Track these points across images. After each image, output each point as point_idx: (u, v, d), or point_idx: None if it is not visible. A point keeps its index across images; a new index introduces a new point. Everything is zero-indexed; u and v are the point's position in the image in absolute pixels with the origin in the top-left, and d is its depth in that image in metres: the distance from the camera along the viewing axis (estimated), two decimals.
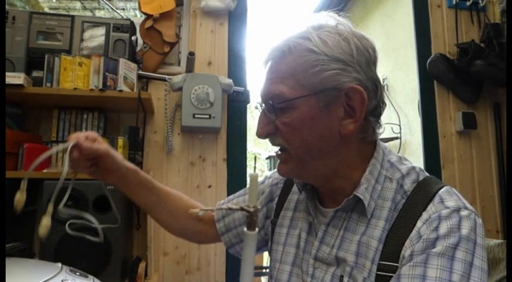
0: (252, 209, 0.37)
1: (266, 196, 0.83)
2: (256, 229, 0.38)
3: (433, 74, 1.93)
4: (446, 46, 1.97)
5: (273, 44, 0.64)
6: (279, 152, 0.66)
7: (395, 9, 2.83)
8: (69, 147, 0.71)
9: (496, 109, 1.96)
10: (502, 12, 1.95)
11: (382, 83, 2.69)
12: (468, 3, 2.00)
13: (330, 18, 0.64)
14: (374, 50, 0.63)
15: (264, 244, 0.84)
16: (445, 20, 2.00)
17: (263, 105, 0.65)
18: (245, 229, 0.38)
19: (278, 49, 0.62)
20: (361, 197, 0.61)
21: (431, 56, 1.93)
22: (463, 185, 1.87)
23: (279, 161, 0.67)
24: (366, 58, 0.61)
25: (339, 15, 0.65)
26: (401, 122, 2.69)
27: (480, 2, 2.01)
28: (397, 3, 2.79)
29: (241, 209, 0.38)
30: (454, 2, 2.00)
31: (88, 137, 0.72)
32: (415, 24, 2.00)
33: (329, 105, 0.60)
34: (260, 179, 0.88)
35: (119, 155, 0.77)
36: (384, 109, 0.65)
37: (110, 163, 0.75)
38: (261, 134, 0.64)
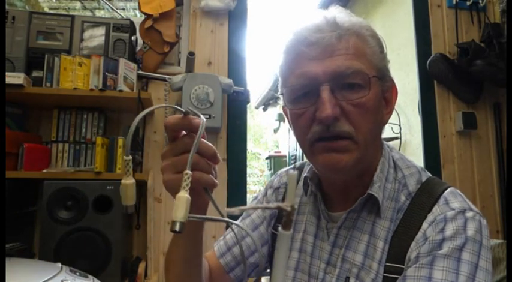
0: (289, 209, 0.36)
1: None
2: (291, 230, 0.37)
3: (433, 74, 1.92)
4: (446, 46, 1.97)
5: (326, 21, 0.58)
6: (339, 140, 0.57)
7: (396, 9, 2.83)
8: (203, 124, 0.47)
9: (496, 109, 1.96)
10: (502, 12, 1.95)
11: None
12: (468, 3, 2.00)
13: (360, 18, 0.64)
14: None
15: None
16: (445, 20, 2.00)
17: (325, 85, 0.56)
18: (280, 228, 0.37)
19: (342, 28, 0.57)
20: (376, 195, 0.59)
21: (432, 56, 1.93)
22: (463, 185, 1.87)
23: (327, 150, 0.58)
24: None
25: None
26: (401, 122, 2.69)
27: (480, 2, 2.00)
28: (397, 3, 2.79)
29: (278, 207, 0.36)
30: (454, 2, 2.00)
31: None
32: (415, 24, 2.00)
33: (383, 92, 0.62)
34: (256, 195, 0.84)
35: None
36: None
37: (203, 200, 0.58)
38: (332, 115, 0.54)
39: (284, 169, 0.85)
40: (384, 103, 0.62)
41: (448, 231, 0.54)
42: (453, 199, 0.58)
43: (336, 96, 0.56)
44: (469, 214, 0.55)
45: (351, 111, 0.56)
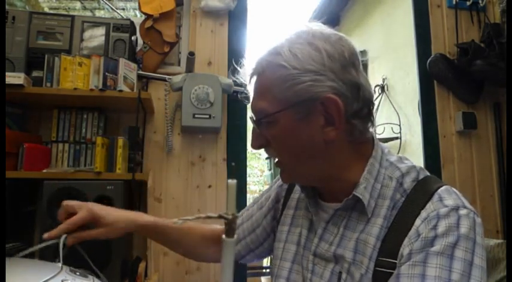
0: (230, 217, 0.38)
1: (273, 199, 0.84)
2: (235, 236, 0.39)
3: (433, 74, 1.92)
4: (446, 46, 1.97)
5: (253, 61, 0.67)
6: (276, 161, 0.69)
7: (396, 8, 2.83)
8: (61, 242, 0.74)
9: (496, 109, 1.96)
10: (502, 12, 1.95)
11: (383, 82, 2.66)
12: (468, 3, 2.00)
13: (303, 28, 0.64)
14: (352, 53, 0.62)
15: None
16: (445, 20, 2.00)
17: (253, 121, 0.68)
18: (223, 236, 0.38)
19: (255, 67, 0.66)
20: (360, 197, 0.61)
21: (432, 56, 1.93)
22: (463, 185, 1.87)
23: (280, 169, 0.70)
24: (341, 63, 0.60)
25: (314, 23, 0.66)
26: (401, 122, 2.70)
27: (480, 2, 2.00)
28: (397, 2, 2.79)
29: (220, 216, 0.39)
30: (454, 2, 2.00)
31: (67, 209, 0.77)
32: (415, 24, 2.00)
33: (307, 116, 0.61)
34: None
35: (107, 208, 0.79)
36: (373, 108, 0.65)
37: (103, 221, 0.77)
38: (254, 146, 0.67)
39: None
40: (322, 123, 0.61)
41: (441, 228, 0.54)
42: (447, 196, 0.58)
43: (258, 130, 0.66)
44: (463, 211, 0.56)
45: (271, 142, 0.65)
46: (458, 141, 1.92)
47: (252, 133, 0.68)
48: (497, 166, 1.92)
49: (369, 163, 0.64)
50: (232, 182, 0.38)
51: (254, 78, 0.67)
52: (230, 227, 0.38)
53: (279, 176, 0.86)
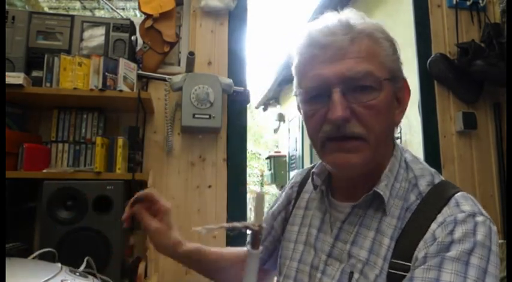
0: (257, 228, 0.37)
1: (283, 201, 0.84)
2: (260, 248, 0.38)
3: (433, 73, 1.92)
4: (446, 46, 1.97)
5: (339, 23, 0.59)
6: (350, 140, 0.58)
7: (396, 8, 2.83)
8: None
9: (496, 109, 1.96)
10: (502, 12, 1.95)
11: None
12: (468, 3, 2.00)
13: (366, 18, 0.65)
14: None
15: None
16: (445, 20, 2.00)
17: (336, 88, 0.57)
18: (249, 247, 0.38)
19: (355, 30, 0.59)
20: (381, 193, 0.60)
21: (432, 56, 1.93)
22: (463, 185, 1.87)
23: (337, 150, 0.60)
24: (398, 56, 0.65)
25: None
26: (401, 122, 2.69)
27: (480, 1, 2.00)
28: (398, 2, 2.79)
29: (246, 227, 0.38)
30: (454, 2, 2.00)
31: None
32: (416, 24, 2.00)
33: (396, 93, 0.63)
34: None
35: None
36: None
37: (167, 223, 0.82)
38: (342, 117, 0.56)
39: (305, 168, 0.87)
40: (396, 103, 0.64)
41: (457, 234, 0.54)
42: (464, 202, 0.58)
43: (347, 98, 0.58)
44: (480, 218, 0.55)
45: (362, 113, 0.58)
46: (458, 141, 1.92)
47: (338, 103, 0.56)
48: (497, 166, 1.92)
49: (390, 161, 0.64)
50: (261, 192, 0.37)
51: (345, 40, 0.58)
52: (256, 238, 0.37)
53: (291, 179, 0.86)
